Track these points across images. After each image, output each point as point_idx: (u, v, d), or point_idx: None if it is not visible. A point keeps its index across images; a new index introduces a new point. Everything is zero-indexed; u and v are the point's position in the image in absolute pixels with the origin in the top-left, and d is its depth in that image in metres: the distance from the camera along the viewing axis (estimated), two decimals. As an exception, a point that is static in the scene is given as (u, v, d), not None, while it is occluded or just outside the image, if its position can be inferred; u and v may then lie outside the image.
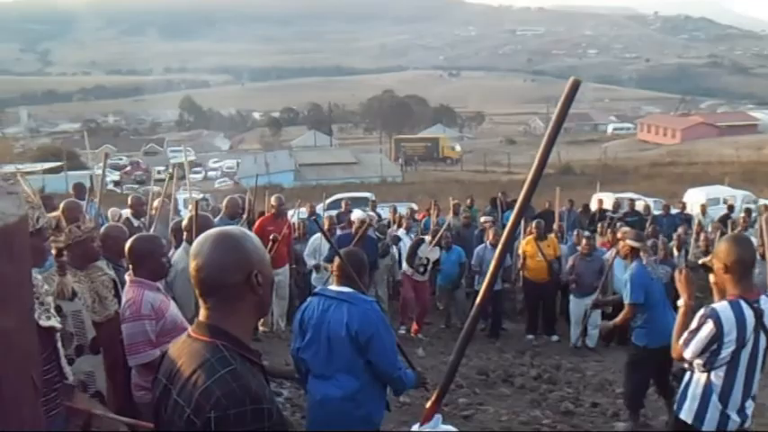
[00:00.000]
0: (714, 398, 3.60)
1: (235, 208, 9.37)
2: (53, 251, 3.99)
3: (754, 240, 10.22)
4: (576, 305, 10.60)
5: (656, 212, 17.34)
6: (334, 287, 4.24)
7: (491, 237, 11.09)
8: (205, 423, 1.80)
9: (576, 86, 2.00)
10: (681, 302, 3.76)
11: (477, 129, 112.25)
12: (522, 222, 12.33)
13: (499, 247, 2.27)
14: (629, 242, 6.93)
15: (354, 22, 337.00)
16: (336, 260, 4.30)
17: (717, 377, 3.59)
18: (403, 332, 10.69)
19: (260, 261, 2.04)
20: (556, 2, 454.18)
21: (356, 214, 9.38)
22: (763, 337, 3.59)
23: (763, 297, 3.65)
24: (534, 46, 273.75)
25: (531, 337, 11.32)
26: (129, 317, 4.10)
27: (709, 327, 3.51)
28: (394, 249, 11.61)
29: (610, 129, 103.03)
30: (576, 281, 10.51)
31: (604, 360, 9.85)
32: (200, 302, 2.04)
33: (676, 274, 3.87)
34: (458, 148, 67.39)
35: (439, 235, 10.95)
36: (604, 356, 10.12)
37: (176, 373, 1.96)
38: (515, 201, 12.52)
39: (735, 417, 3.62)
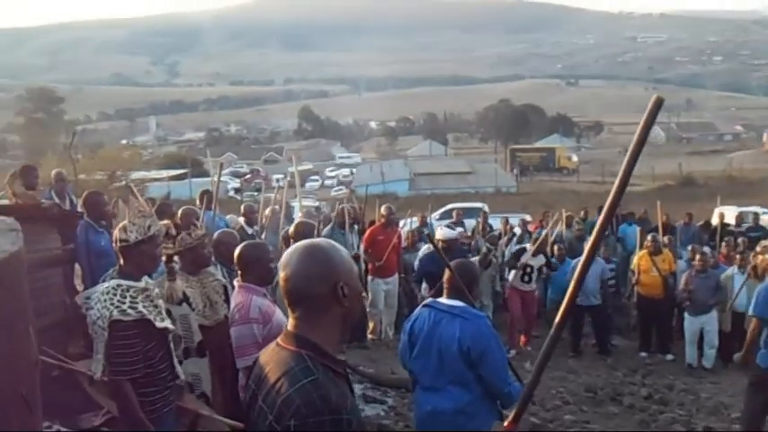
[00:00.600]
0: None
1: (344, 217, 9.52)
2: (163, 257, 4.19)
3: None
4: (691, 323, 10.24)
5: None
6: (445, 300, 4.21)
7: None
8: (285, 430, 1.86)
9: (659, 104, 1.98)
10: None
11: (594, 139, 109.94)
12: (638, 236, 12.03)
13: (581, 261, 2.23)
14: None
15: (471, 32, 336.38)
16: (447, 272, 4.26)
17: None
18: (511, 356, 10.49)
19: (346, 273, 2.08)
20: (679, 7, 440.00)
21: (441, 232, 9.29)
22: None
23: None
24: (655, 53, 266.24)
25: (643, 354, 10.98)
26: (237, 320, 4.22)
27: None
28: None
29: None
30: (689, 298, 10.15)
31: (721, 382, 9.44)
32: (289, 312, 2.10)
33: None
34: (574, 158, 66.27)
35: (539, 242, 10.79)
36: (721, 378, 9.70)
37: (263, 380, 2.03)
38: (631, 213, 12.28)
39: None
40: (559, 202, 30.12)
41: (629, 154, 2.03)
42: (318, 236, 8.68)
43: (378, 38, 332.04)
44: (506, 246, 12.83)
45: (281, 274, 2.08)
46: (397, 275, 10.25)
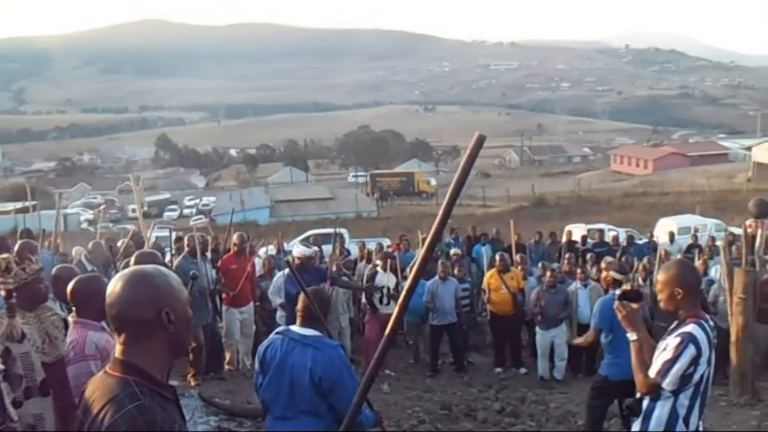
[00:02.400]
0: (680, 421, 3.60)
1: (195, 246, 9.34)
2: (2, 293, 3.99)
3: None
4: (542, 337, 10.66)
5: (638, 242, 17.58)
6: (298, 328, 4.15)
7: (440, 269, 11.13)
8: None
9: (480, 142, 2.08)
10: (632, 337, 3.73)
11: (452, 163, 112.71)
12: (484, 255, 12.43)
13: (409, 279, 2.30)
14: (612, 274, 7.03)
15: (329, 60, 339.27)
16: (301, 299, 4.22)
17: (684, 399, 3.60)
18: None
19: (172, 299, 2.09)
20: (528, 37, 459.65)
21: (297, 250, 9.35)
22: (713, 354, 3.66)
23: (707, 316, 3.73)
24: (508, 80, 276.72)
25: (498, 370, 11.33)
26: (73, 358, 4.07)
27: (691, 351, 3.52)
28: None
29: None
30: (541, 313, 10.57)
31: (570, 392, 9.85)
32: (116, 338, 2.08)
33: (617, 310, 3.81)
34: (433, 182, 67.56)
35: (389, 261, 11.04)
36: (570, 388, 10.12)
37: (89, 408, 2.00)
38: (485, 234, 12.67)
39: None
40: (419, 225, 30.66)
41: (450, 190, 2.12)
42: (167, 266, 8.49)
43: (236, 65, 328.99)
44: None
45: (107, 300, 2.06)
46: (252, 304, 10.14)
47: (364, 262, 13.58)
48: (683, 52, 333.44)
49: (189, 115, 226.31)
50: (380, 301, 10.86)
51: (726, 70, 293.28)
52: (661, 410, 3.62)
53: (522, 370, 11.27)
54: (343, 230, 22.53)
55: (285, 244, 17.27)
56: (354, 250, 15.89)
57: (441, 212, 2.15)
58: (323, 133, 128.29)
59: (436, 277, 11.11)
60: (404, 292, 2.30)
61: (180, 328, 2.10)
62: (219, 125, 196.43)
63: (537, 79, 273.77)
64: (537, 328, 10.81)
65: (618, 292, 3.84)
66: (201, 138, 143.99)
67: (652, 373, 3.60)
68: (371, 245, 16.27)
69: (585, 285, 10.74)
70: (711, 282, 11.26)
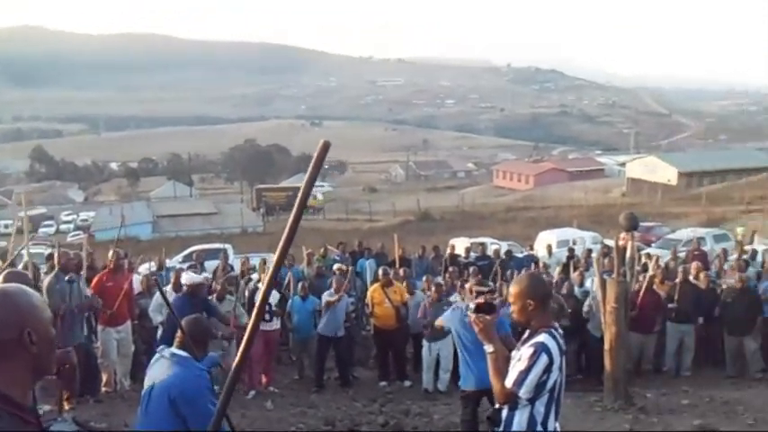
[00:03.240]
0: (538, 426, 3.69)
1: (69, 263, 8.97)
2: None
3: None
4: (428, 350, 10.75)
5: (518, 255, 18.04)
6: (173, 349, 4.20)
7: (335, 284, 11.15)
8: None
9: (326, 148, 2.07)
10: (489, 350, 3.78)
11: (339, 177, 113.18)
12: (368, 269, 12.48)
13: (262, 290, 2.28)
14: (475, 288, 7.18)
15: (215, 72, 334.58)
16: (184, 323, 4.27)
17: (540, 406, 3.69)
18: (251, 397, 10.30)
19: (34, 319, 2.00)
20: (414, 54, 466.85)
21: (187, 277, 9.18)
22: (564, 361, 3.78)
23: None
24: (394, 96, 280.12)
25: (383, 383, 11.36)
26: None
27: (543, 360, 3.62)
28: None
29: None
30: (427, 326, 10.69)
31: (453, 404, 9.95)
32: None
33: (473, 324, 3.86)
34: (320, 197, 67.50)
35: (271, 278, 10.91)
36: (454, 399, 10.22)
37: None
38: (369, 248, 12.72)
39: None
40: (305, 239, 30.52)
41: (299, 198, 2.10)
42: (37, 286, 8.15)
43: (117, 75, 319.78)
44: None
45: None
46: (129, 323, 9.82)
47: (246, 278, 13.39)
48: (563, 72, 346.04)
49: (67, 127, 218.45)
50: (264, 317, 10.70)
51: (602, 90, 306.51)
52: (520, 418, 3.70)
53: (407, 383, 11.34)
54: (228, 246, 22.21)
55: (168, 260, 16.88)
56: (238, 266, 15.67)
57: (289, 223, 2.13)
58: (208, 147, 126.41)
59: (331, 290, 11.15)
60: (258, 305, 2.26)
61: (42, 348, 2.01)
62: (99, 137, 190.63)
63: (423, 96, 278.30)
64: (424, 341, 10.92)
65: (471, 305, 3.87)
66: (80, 150, 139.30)
67: (508, 383, 3.67)
68: (255, 260, 16.07)
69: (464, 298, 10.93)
70: (587, 293, 11.69)
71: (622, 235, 10.13)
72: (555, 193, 67.50)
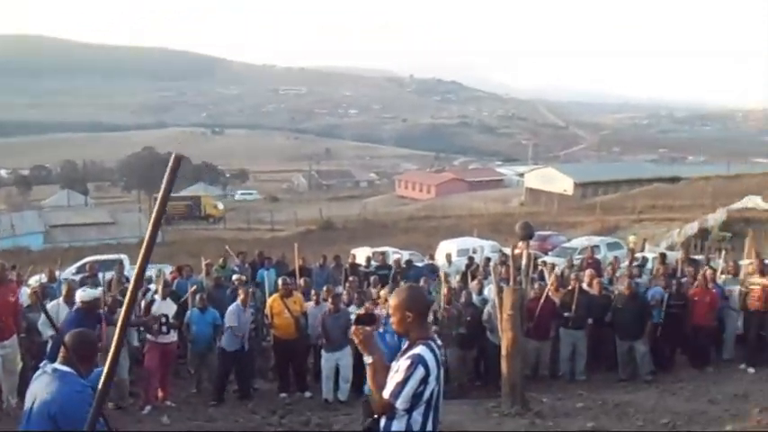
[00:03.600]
0: None
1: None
2: None
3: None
4: (327, 360, 10.71)
5: (418, 264, 18.20)
6: (56, 364, 4.09)
7: (242, 296, 10.99)
8: None
9: (178, 161, 2.03)
10: (368, 360, 3.80)
11: (240, 186, 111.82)
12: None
13: (124, 307, 2.21)
14: (387, 296, 7.25)
15: (113, 78, 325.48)
16: (67, 339, 4.19)
17: (417, 416, 3.70)
18: (147, 412, 10.01)
19: None
20: (317, 63, 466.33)
21: (82, 294, 8.89)
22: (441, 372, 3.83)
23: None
24: (296, 105, 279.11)
25: (283, 395, 11.24)
26: None
27: (420, 371, 3.63)
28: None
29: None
30: (326, 336, 10.65)
31: (353, 413, 9.93)
32: None
33: (354, 335, 3.90)
34: (220, 206, 66.59)
35: (165, 288, 10.79)
36: (354, 409, 10.21)
37: None
38: (269, 258, 12.58)
39: None
40: (206, 250, 30.03)
41: (155, 212, 2.06)
42: None
43: (7, 79, 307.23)
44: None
45: None
46: (15, 337, 9.39)
47: (144, 289, 13.02)
48: (463, 83, 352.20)
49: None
50: (160, 330, 10.44)
51: (501, 101, 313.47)
52: (397, 428, 3.71)
53: (307, 394, 11.26)
54: (124, 256, 21.59)
55: (60, 272, 16.26)
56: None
57: (147, 236, 2.07)
58: (104, 154, 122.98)
59: (238, 302, 10.97)
60: (121, 317, 2.19)
61: None
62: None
63: (325, 105, 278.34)
64: (322, 351, 10.87)
65: (353, 317, 3.91)
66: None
67: (386, 394, 3.68)
68: (152, 272, 15.66)
69: (359, 308, 11.04)
70: (485, 300, 11.87)
71: (519, 244, 10.33)
72: (456, 202, 68.54)
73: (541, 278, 13.90)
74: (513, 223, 10.16)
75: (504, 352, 8.86)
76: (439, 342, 3.89)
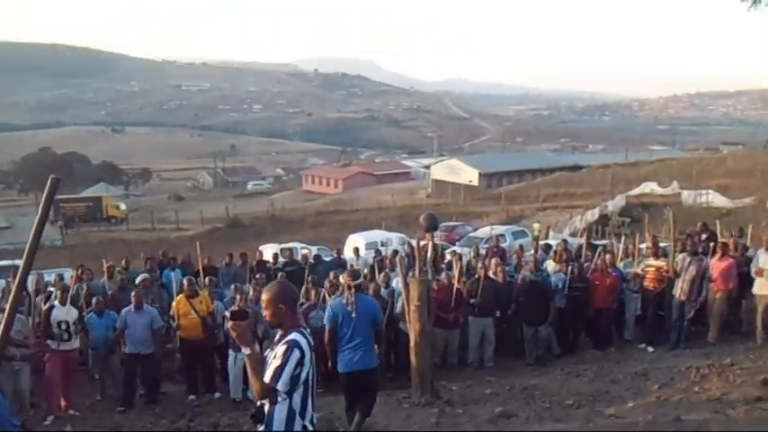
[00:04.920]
0: (297, 417, 4.06)
1: None
2: None
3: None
4: (234, 360, 10.56)
5: (326, 259, 18.16)
6: None
7: (134, 299, 10.72)
8: None
9: (55, 184, 2.00)
10: (246, 352, 4.06)
11: (143, 186, 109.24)
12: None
13: (7, 309, 2.13)
14: (348, 281, 7.76)
15: (7, 76, 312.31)
16: None
17: (297, 398, 4.05)
18: (49, 422, 9.69)
19: None
20: (220, 57, 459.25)
21: None
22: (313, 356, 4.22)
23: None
24: (200, 101, 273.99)
25: (192, 397, 11.04)
26: None
27: (296, 355, 4.00)
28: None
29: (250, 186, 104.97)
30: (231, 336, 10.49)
31: (262, 411, 9.84)
32: None
33: (231, 330, 4.19)
34: (123, 206, 64.91)
35: (63, 293, 10.42)
36: (264, 408, 10.11)
37: None
38: (173, 258, 12.30)
39: (310, 427, 4.16)
40: (109, 252, 29.24)
41: (32, 234, 2.01)
42: None
43: None
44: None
45: None
46: None
47: (42, 295, 12.55)
48: (369, 78, 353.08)
49: None
50: (61, 337, 10.08)
51: (406, 95, 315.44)
52: (280, 412, 4.02)
53: (217, 395, 11.10)
54: (20, 262, 20.77)
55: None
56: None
57: (26, 253, 2.03)
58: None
59: (130, 307, 10.68)
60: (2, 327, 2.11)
61: None
62: None
63: (229, 101, 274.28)
64: (230, 351, 10.73)
65: (227, 313, 4.41)
66: None
67: (267, 378, 3.99)
68: (51, 276, 15.13)
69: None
70: (393, 292, 11.93)
71: (426, 235, 10.40)
72: (363, 196, 68.85)
73: (449, 268, 14.06)
74: (420, 215, 10.23)
75: (412, 343, 8.91)
76: (308, 329, 4.35)
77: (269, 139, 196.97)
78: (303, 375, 4.05)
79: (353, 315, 7.42)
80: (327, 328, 7.52)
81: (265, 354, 4.18)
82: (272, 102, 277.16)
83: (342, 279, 8.13)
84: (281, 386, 3.95)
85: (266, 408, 4.04)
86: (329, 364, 7.67)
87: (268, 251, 20.40)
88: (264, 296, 4.24)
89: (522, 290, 12.32)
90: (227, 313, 4.25)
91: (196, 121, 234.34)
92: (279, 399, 4.00)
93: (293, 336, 4.07)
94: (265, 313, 4.22)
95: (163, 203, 77.05)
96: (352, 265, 14.91)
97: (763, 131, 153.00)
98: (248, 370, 4.10)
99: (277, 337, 4.17)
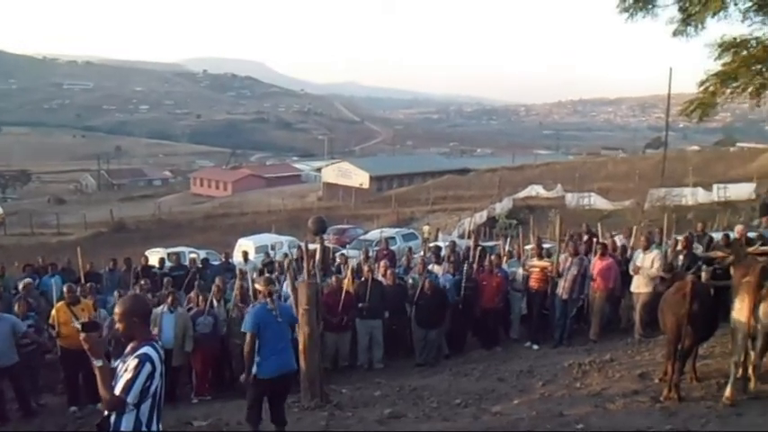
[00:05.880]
0: (144, 428, 4.14)
1: None
2: None
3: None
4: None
5: (214, 263, 17.85)
6: None
7: (17, 307, 10.27)
8: None
9: None
10: (98, 364, 4.08)
11: (22, 189, 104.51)
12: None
13: None
14: (259, 287, 7.78)
15: None
16: None
17: (145, 409, 4.12)
18: None
19: None
20: (104, 56, 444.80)
21: None
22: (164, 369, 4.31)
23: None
24: (83, 101, 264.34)
25: (73, 408, 10.63)
26: None
27: (147, 369, 4.09)
28: None
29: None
30: (116, 343, 10.17)
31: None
32: None
33: (83, 342, 4.13)
34: (0, 210, 62.04)
35: None
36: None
37: None
38: (54, 264, 11.83)
39: None
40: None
41: None
42: None
43: None
44: None
45: None
46: None
47: None
48: (258, 79, 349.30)
49: None
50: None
51: (297, 97, 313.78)
52: (127, 423, 4.09)
53: (99, 405, 10.69)
54: None
55: None
56: None
57: None
58: None
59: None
60: None
61: None
62: None
63: (114, 101, 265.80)
64: (112, 359, 10.35)
65: (77, 324, 4.30)
66: None
67: (117, 390, 4.07)
68: None
69: (172, 311, 10.86)
70: (283, 296, 11.83)
71: (315, 238, 10.38)
72: (253, 198, 68.15)
73: (338, 271, 14.07)
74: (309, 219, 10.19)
75: (301, 347, 8.85)
76: (161, 343, 4.45)
77: (156, 140, 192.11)
78: (153, 388, 4.14)
79: (279, 320, 7.40)
80: (249, 334, 7.38)
81: (115, 364, 4.26)
82: (160, 102, 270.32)
83: (258, 286, 7.93)
84: (130, 399, 4.04)
85: (113, 418, 4.11)
86: (245, 372, 7.53)
87: (154, 256, 19.89)
88: (118, 309, 4.38)
89: (418, 294, 12.42)
90: (78, 324, 4.23)
91: (79, 121, 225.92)
92: (127, 410, 4.08)
93: (145, 349, 4.16)
94: (119, 326, 4.32)
95: (43, 207, 73.91)
96: (240, 270, 14.71)
97: (640, 137, 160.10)
98: (99, 382, 4.10)
99: (128, 349, 4.23)
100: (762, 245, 12.41)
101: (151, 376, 4.10)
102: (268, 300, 7.51)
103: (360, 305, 12.26)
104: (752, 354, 7.58)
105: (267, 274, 11.92)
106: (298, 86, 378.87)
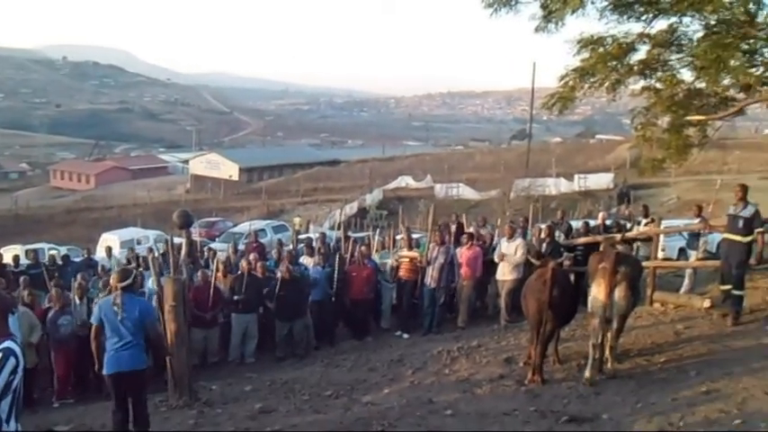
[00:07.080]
0: (4, 423, 3.97)
1: None
2: None
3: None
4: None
5: (76, 260, 17.17)
6: None
7: None
8: None
9: None
10: None
11: None
12: None
13: None
14: (116, 282, 7.20)
15: None
16: None
17: (5, 405, 3.95)
18: None
19: None
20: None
21: None
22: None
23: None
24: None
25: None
26: None
27: (12, 362, 3.99)
28: None
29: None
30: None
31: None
32: None
33: None
34: None
35: None
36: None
37: None
38: None
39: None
40: None
41: None
42: None
43: None
44: None
45: None
46: None
47: None
48: (122, 68, 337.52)
49: None
50: None
51: (163, 87, 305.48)
52: None
53: None
54: None
55: None
56: None
57: None
58: None
59: None
60: None
61: None
62: None
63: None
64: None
65: None
66: None
67: None
68: None
69: (14, 312, 10.20)
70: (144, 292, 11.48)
71: (181, 232, 10.15)
72: (118, 192, 66.07)
73: (207, 266, 13.81)
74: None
75: (168, 344, 8.61)
76: (19, 339, 4.37)
77: (12, 131, 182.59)
78: (15, 383, 4.04)
79: (119, 316, 6.99)
80: (93, 326, 7.16)
81: None
82: (15, 90, 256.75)
83: (111, 280, 7.63)
84: None
85: None
86: (96, 365, 7.25)
87: (10, 253, 18.91)
88: None
89: (279, 285, 12.29)
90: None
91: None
92: None
93: (8, 344, 4.08)
94: None
95: None
96: (103, 266, 14.21)
97: (506, 129, 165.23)
98: None
99: None
100: (617, 231, 13.13)
101: (15, 371, 4.02)
102: (115, 294, 7.14)
103: (235, 298, 12.08)
104: (608, 336, 7.97)
105: (126, 266, 11.56)
106: (164, 76, 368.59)
